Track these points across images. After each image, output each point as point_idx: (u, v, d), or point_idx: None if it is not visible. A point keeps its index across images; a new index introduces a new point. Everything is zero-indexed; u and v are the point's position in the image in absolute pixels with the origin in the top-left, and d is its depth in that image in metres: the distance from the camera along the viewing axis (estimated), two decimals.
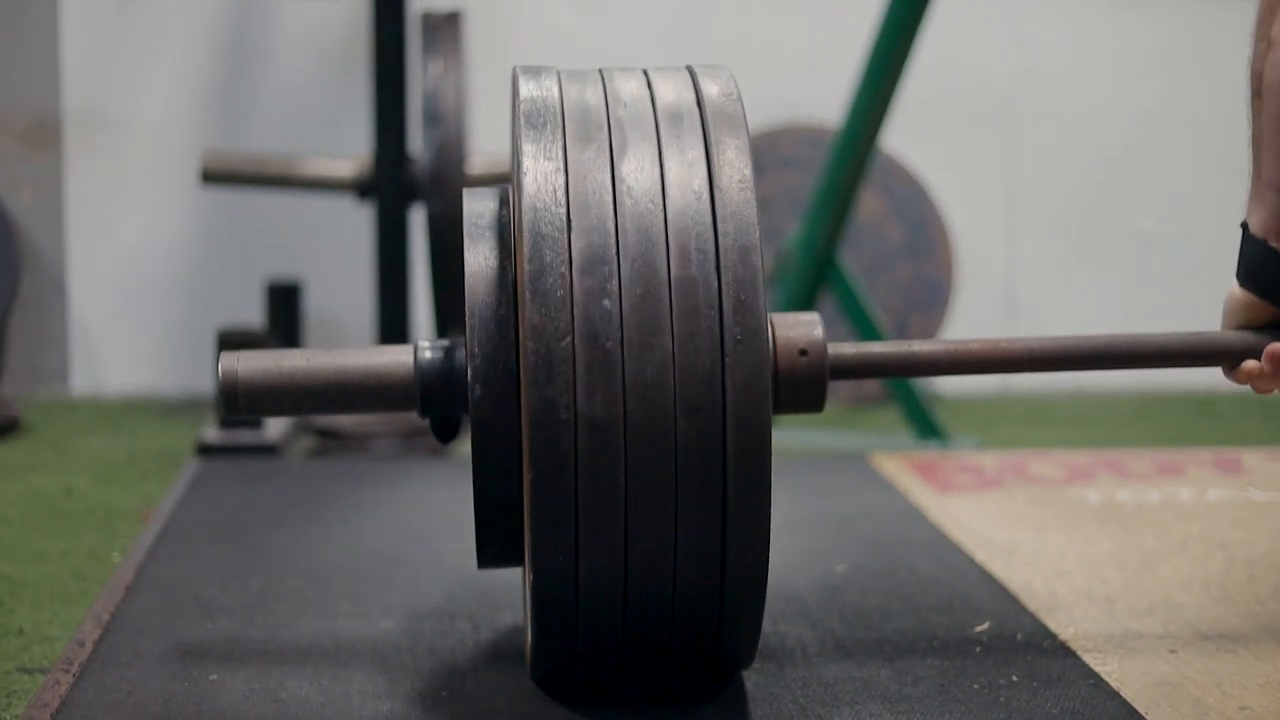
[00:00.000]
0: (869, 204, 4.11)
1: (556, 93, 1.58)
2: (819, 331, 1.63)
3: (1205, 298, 4.59)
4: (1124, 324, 4.36)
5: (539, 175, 1.49)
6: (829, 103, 3.95)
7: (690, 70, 1.63)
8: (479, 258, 1.58)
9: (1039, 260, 4.35)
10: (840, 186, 3.44)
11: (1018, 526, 2.64)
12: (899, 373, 1.79)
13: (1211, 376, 1.98)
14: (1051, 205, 4.33)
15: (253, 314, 4.05)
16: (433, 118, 3.41)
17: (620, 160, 1.53)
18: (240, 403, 1.64)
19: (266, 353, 1.67)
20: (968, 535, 2.57)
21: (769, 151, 4.13)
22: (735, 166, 1.52)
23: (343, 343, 4.21)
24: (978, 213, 4.30)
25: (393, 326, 3.67)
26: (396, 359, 1.64)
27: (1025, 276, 4.34)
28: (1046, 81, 4.31)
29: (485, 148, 3.74)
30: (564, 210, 1.49)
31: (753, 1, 4.26)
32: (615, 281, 1.47)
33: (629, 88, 1.60)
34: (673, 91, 1.59)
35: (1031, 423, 3.99)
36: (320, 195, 3.83)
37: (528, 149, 1.52)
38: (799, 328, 1.62)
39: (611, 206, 1.50)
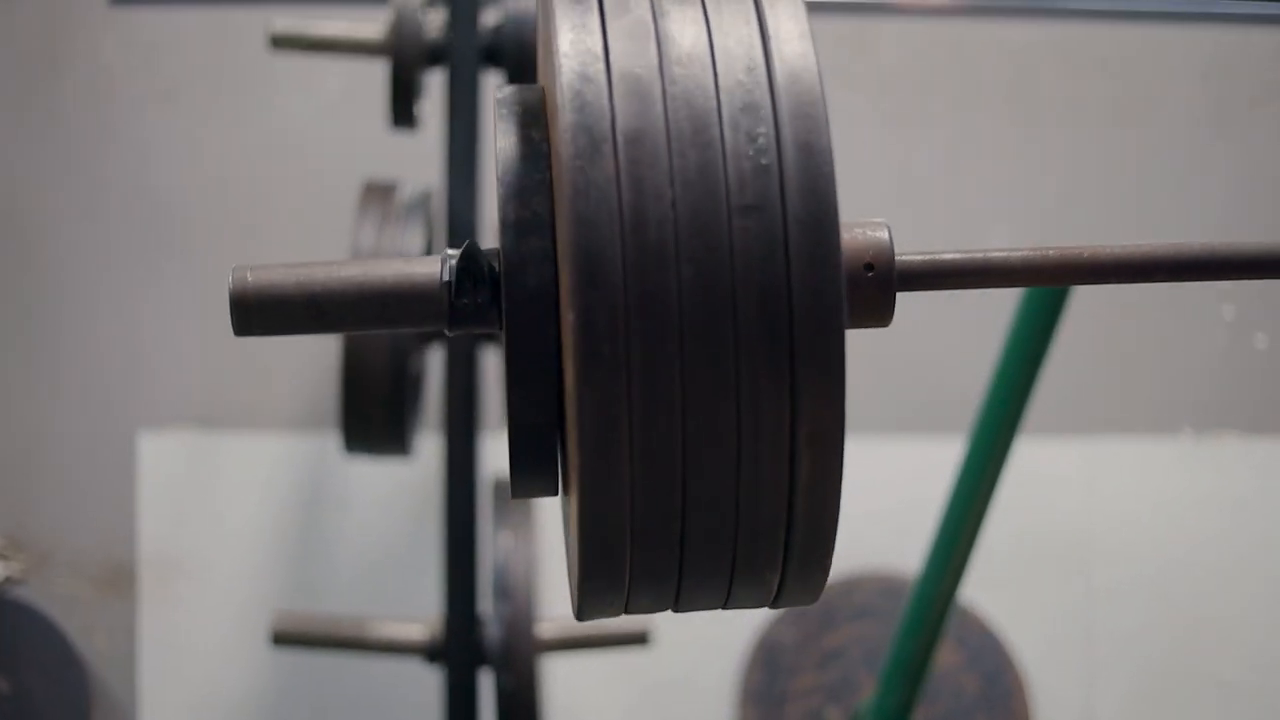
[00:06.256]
0: (943, 655, 4.06)
1: None
2: (885, 234, 1.44)
3: None
4: None
5: (575, 40, 1.33)
6: (909, 551, 3.93)
7: None
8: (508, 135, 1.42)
9: (1118, 709, 4.26)
10: (915, 653, 3.40)
11: None
12: (972, 282, 1.56)
13: None
14: (1129, 652, 4.26)
15: None
16: (502, 592, 3.41)
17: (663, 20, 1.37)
18: (253, 317, 1.50)
19: (283, 265, 1.55)
20: None
21: (844, 601, 4.09)
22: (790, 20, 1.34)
23: None
24: (1054, 660, 4.24)
25: None
26: (425, 267, 1.52)
27: None
28: (1120, 526, 4.28)
29: (557, 612, 3.73)
30: (603, 66, 1.32)
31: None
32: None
33: None
34: None
35: None
36: (391, 658, 3.82)
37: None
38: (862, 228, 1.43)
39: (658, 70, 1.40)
